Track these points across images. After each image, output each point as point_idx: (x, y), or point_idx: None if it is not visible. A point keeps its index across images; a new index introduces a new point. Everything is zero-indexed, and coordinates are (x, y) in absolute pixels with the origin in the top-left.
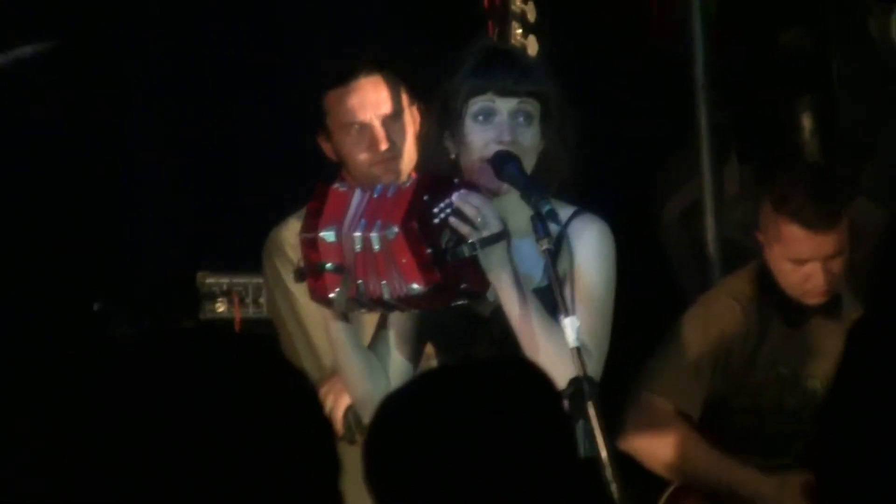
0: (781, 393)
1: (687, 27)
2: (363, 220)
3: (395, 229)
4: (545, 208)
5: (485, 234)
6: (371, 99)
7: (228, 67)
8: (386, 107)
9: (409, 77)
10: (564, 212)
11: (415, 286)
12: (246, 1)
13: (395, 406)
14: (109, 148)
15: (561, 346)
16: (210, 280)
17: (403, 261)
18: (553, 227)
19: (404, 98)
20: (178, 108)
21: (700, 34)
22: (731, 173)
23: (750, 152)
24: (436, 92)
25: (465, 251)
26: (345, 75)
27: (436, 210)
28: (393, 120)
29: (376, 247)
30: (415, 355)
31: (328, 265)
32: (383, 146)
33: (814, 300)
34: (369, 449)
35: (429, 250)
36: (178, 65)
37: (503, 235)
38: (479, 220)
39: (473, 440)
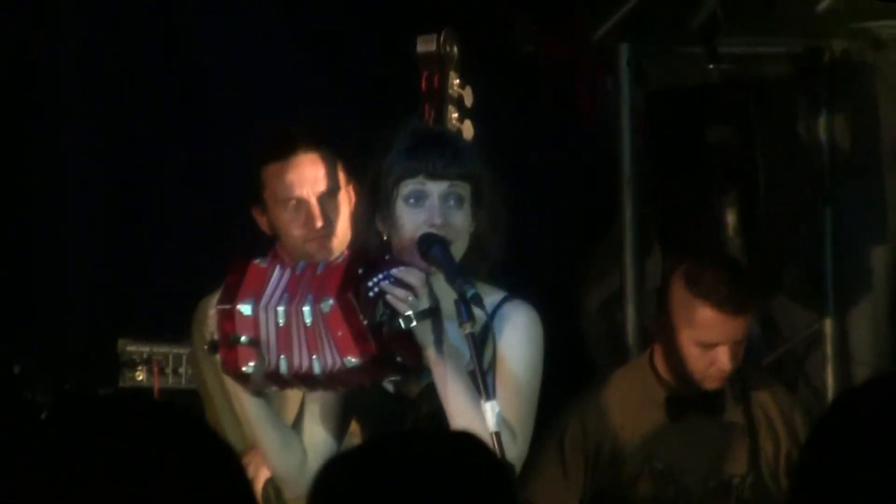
0: (655, 488)
1: (615, 119)
2: (286, 294)
3: (331, 301)
4: (469, 292)
5: (420, 308)
6: (309, 175)
7: (156, 133)
8: (323, 184)
9: (347, 156)
10: (494, 296)
11: (350, 359)
12: (179, 70)
13: (336, 473)
14: (33, 208)
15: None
16: (131, 348)
17: (339, 333)
18: (478, 312)
19: (341, 176)
20: (104, 169)
21: (628, 127)
22: (653, 265)
23: (673, 245)
24: (367, 172)
25: (402, 323)
26: (284, 150)
27: (370, 283)
28: (329, 197)
29: (308, 320)
30: (338, 432)
31: (242, 338)
32: (318, 223)
33: (713, 385)
34: None
35: (364, 321)
36: (104, 127)
37: (436, 310)
38: (410, 298)
39: None
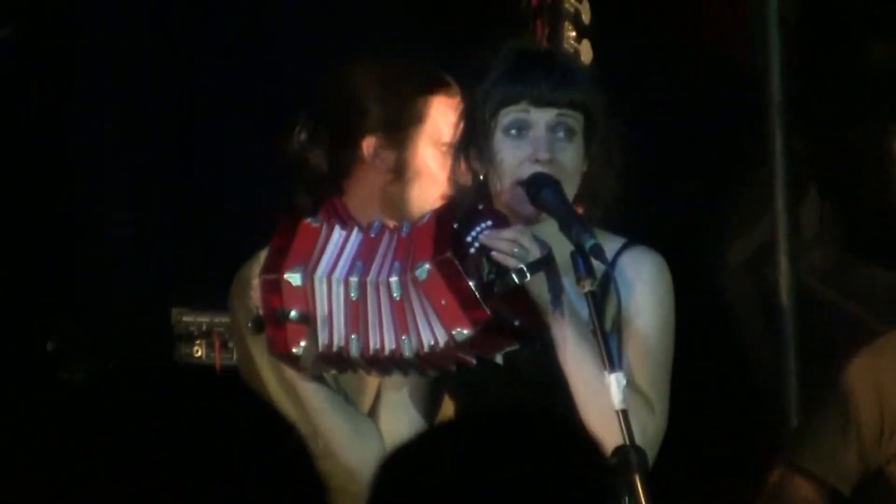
0: None
1: (761, 35)
2: (358, 263)
3: (427, 266)
4: (588, 243)
5: (530, 258)
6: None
7: (209, 82)
8: None
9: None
10: (612, 244)
11: (461, 331)
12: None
13: (401, 461)
14: (67, 158)
15: (630, 403)
16: (187, 318)
17: (442, 302)
18: (597, 265)
19: None
20: (152, 121)
21: (776, 43)
22: (810, 210)
23: (833, 186)
24: (461, 101)
25: (514, 278)
26: (447, 85)
27: (468, 238)
28: None
29: (396, 293)
30: (426, 415)
31: (292, 313)
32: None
33: None
34: None
35: (471, 283)
36: (153, 81)
37: (550, 259)
38: (516, 249)
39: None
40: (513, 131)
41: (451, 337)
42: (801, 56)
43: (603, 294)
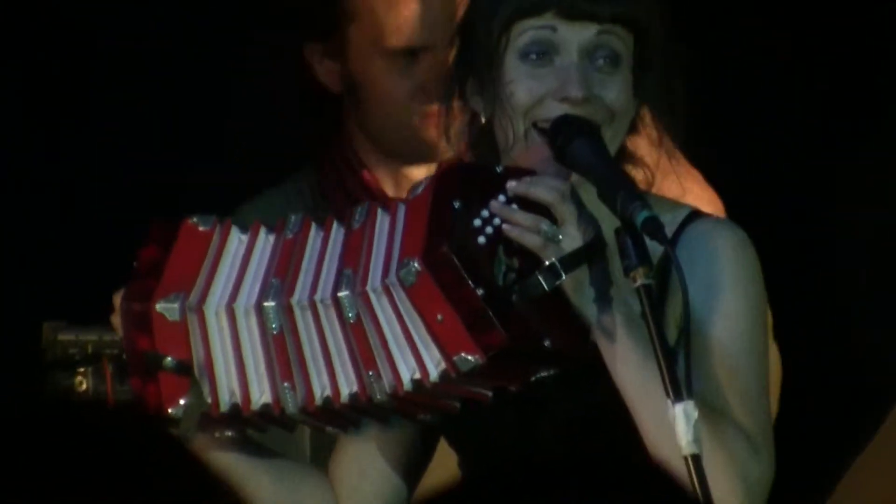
0: None
1: None
2: (275, 281)
3: (415, 266)
4: (640, 215)
5: (568, 244)
6: (441, 16)
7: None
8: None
9: None
10: (673, 215)
11: (467, 358)
12: None
13: None
14: None
15: (723, 441)
16: (66, 337)
17: (438, 318)
18: (653, 247)
19: None
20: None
21: None
22: None
23: None
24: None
25: (542, 282)
26: None
27: (477, 222)
28: None
29: (350, 313)
30: (408, 476)
31: (167, 360)
32: None
33: None
34: None
35: (479, 291)
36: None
37: (600, 245)
38: (546, 223)
39: None
40: (532, 56)
41: (453, 365)
42: None
43: (662, 288)
